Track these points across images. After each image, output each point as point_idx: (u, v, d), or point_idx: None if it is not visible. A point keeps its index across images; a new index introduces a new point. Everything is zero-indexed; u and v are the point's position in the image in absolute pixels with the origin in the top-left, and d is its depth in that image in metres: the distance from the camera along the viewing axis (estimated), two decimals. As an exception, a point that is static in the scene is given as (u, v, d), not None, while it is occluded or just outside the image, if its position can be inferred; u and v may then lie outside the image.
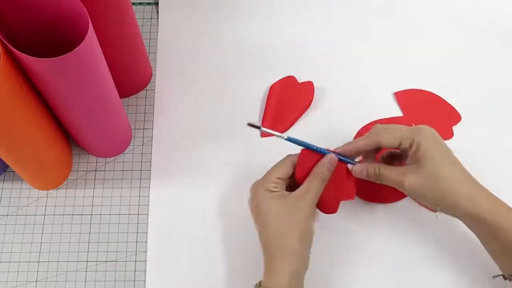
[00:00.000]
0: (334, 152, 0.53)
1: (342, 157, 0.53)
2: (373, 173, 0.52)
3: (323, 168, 0.51)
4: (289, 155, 0.53)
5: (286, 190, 0.52)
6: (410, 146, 0.50)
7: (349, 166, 0.54)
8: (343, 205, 0.60)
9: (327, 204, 0.53)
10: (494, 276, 0.52)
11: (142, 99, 0.68)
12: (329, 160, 0.51)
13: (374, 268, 0.58)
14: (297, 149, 0.54)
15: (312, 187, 0.50)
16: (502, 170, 0.61)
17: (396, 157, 0.56)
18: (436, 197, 0.49)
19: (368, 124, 0.64)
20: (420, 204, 0.61)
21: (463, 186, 0.49)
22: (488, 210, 0.48)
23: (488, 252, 0.52)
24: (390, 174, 0.51)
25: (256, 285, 0.50)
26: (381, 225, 0.60)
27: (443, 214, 0.51)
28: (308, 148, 0.53)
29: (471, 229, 0.51)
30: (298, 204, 0.50)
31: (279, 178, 0.52)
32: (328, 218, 0.53)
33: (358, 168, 0.53)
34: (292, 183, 0.53)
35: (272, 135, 0.53)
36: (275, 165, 0.53)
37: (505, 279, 0.50)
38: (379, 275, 0.58)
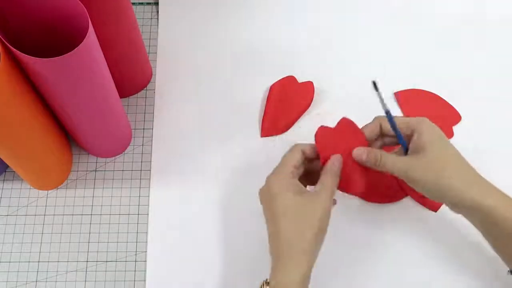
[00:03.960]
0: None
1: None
2: (373, 158, 0.50)
3: (334, 163, 0.50)
4: (296, 144, 0.52)
5: (302, 180, 0.51)
6: (412, 133, 0.49)
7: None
8: (343, 206, 0.60)
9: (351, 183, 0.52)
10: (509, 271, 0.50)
11: (142, 99, 0.68)
12: (336, 158, 0.51)
13: (374, 267, 0.58)
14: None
15: (326, 183, 0.49)
16: (503, 169, 0.61)
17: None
18: (439, 194, 0.49)
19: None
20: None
21: (466, 184, 0.48)
22: (493, 205, 0.46)
23: (491, 246, 0.50)
24: (394, 161, 0.49)
25: (263, 283, 0.48)
26: (381, 225, 0.60)
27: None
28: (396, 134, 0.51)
29: (473, 223, 0.50)
30: (315, 200, 0.48)
31: (295, 167, 0.50)
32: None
33: (357, 152, 0.51)
34: (306, 172, 0.52)
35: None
36: (286, 156, 0.51)
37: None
38: (379, 275, 0.58)
